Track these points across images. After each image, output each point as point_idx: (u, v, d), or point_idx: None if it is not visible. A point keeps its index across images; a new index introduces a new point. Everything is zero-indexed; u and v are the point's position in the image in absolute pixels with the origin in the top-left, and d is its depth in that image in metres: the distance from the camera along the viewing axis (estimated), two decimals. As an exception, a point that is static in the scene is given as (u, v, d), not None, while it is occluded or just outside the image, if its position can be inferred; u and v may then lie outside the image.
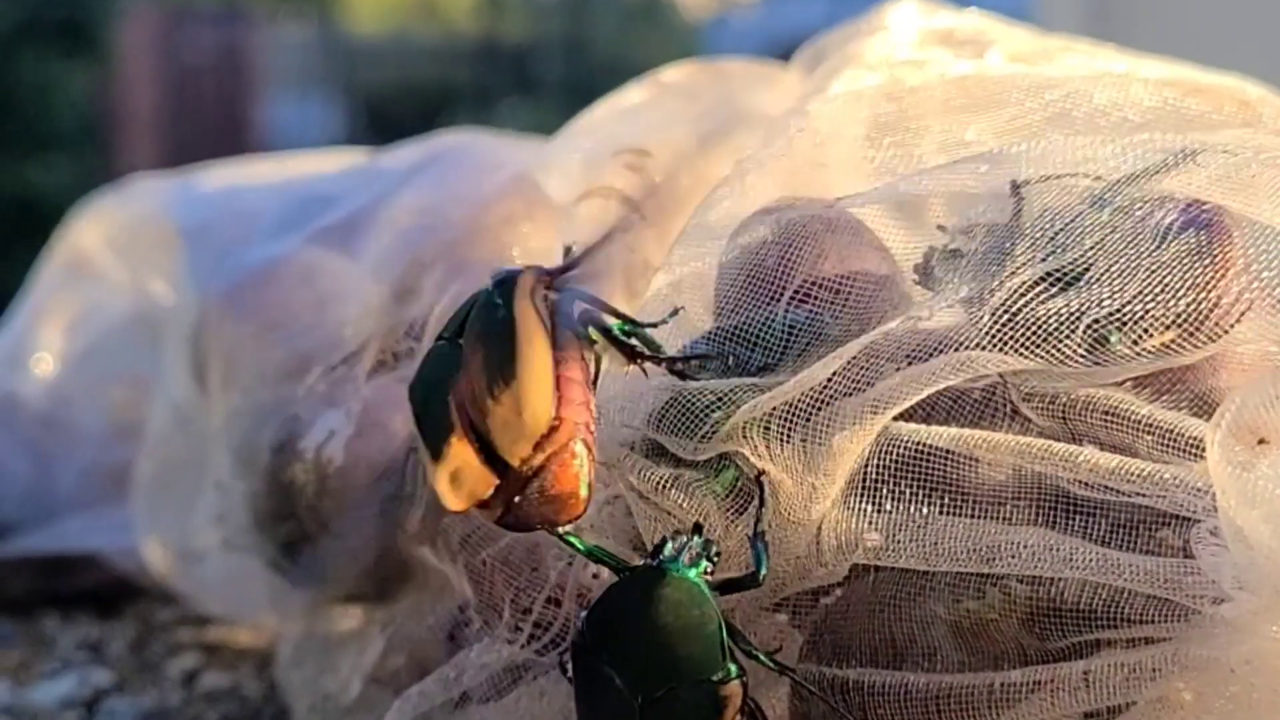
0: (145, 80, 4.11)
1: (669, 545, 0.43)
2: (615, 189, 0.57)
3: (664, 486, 0.46)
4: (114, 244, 0.78)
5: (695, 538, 0.43)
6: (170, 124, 4.05)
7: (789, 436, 0.44)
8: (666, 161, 0.60)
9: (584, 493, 0.42)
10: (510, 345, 0.42)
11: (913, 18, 0.56)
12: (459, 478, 0.42)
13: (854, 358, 0.43)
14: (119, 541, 0.75)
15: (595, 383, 0.44)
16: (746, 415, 0.44)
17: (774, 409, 0.44)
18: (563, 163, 0.60)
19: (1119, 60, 0.51)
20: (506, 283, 0.44)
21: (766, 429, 0.44)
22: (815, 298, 0.47)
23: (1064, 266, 0.42)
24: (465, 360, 0.42)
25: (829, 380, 0.44)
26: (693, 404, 0.46)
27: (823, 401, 0.44)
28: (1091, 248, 0.42)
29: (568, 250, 0.47)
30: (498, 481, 0.41)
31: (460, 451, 0.42)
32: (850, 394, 0.43)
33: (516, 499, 0.42)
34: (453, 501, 0.42)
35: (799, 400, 0.43)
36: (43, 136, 3.83)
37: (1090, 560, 0.42)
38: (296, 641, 0.60)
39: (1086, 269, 0.42)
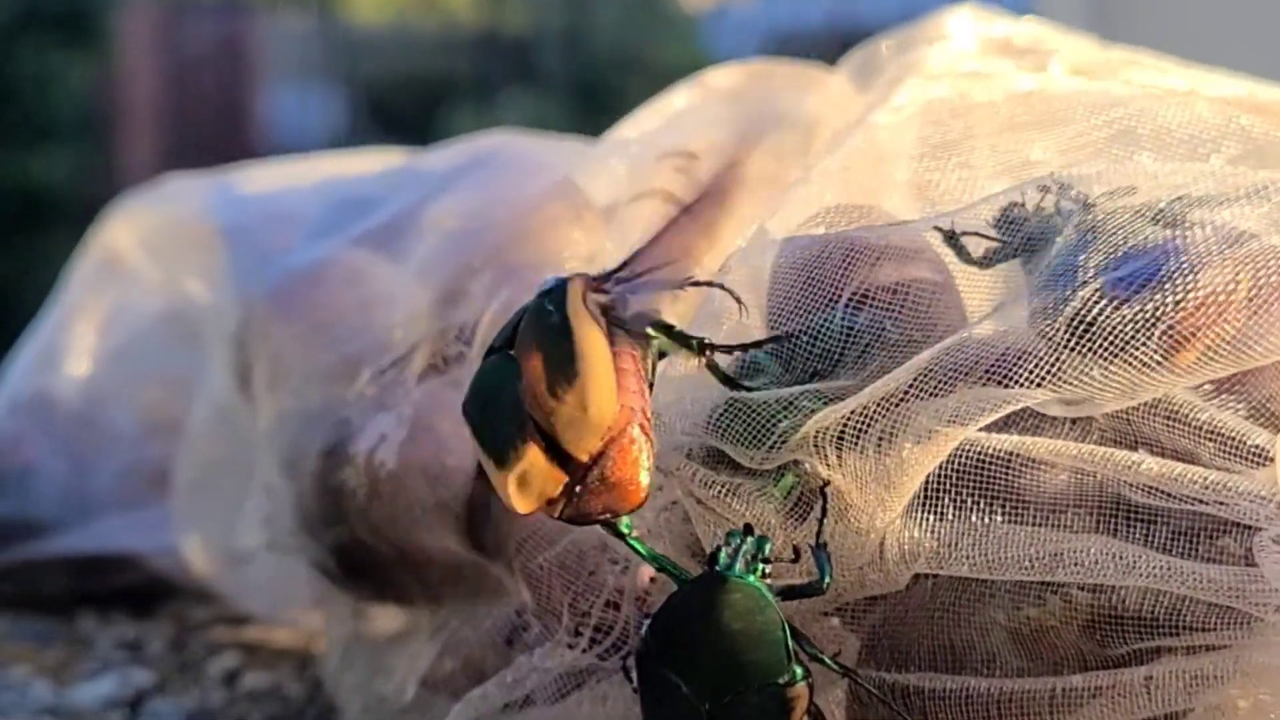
0: (145, 71, 4.11)
1: (723, 551, 0.44)
2: (663, 192, 0.58)
3: (724, 493, 0.46)
4: (148, 244, 0.79)
5: (748, 539, 0.44)
6: (170, 115, 4.05)
7: (861, 447, 0.44)
8: (713, 164, 0.60)
9: (644, 479, 0.42)
10: (569, 345, 0.42)
11: (970, 25, 0.56)
12: (527, 480, 0.42)
13: (927, 368, 0.44)
14: (156, 541, 0.76)
15: (651, 385, 0.45)
16: (818, 424, 0.44)
17: (846, 419, 0.44)
18: (608, 166, 0.60)
19: (1181, 74, 0.52)
20: (556, 290, 0.44)
21: (840, 439, 0.44)
22: (872, 302, 0.48)
23: (1133, 273, 0.43)
24: (522, 366, 0.43)
25: (904, 391, 0.44)
26: (757, 411, 0.46)
27: (896, 412, 0.44)
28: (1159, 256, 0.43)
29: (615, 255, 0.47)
30: (566, 479, 0.42)
31: (527, 454, 0.42)
32: (923, 405, 0.43)
33: (577, 489, 0.42)
34: (522, 504, 0.42)
35: (872, 410, 0.44)
36: (42, 128, 3.83)
37: (1153, 568, 0.43)
38: (344, 643, 0.60)
39: (1152, 277, 0.43)
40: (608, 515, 0.43)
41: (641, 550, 0.45)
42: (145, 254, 0.79)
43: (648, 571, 0.50)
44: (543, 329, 0.43)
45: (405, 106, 4.30)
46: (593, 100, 4.39)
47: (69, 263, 0.83)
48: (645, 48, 4.29)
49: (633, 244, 0.49)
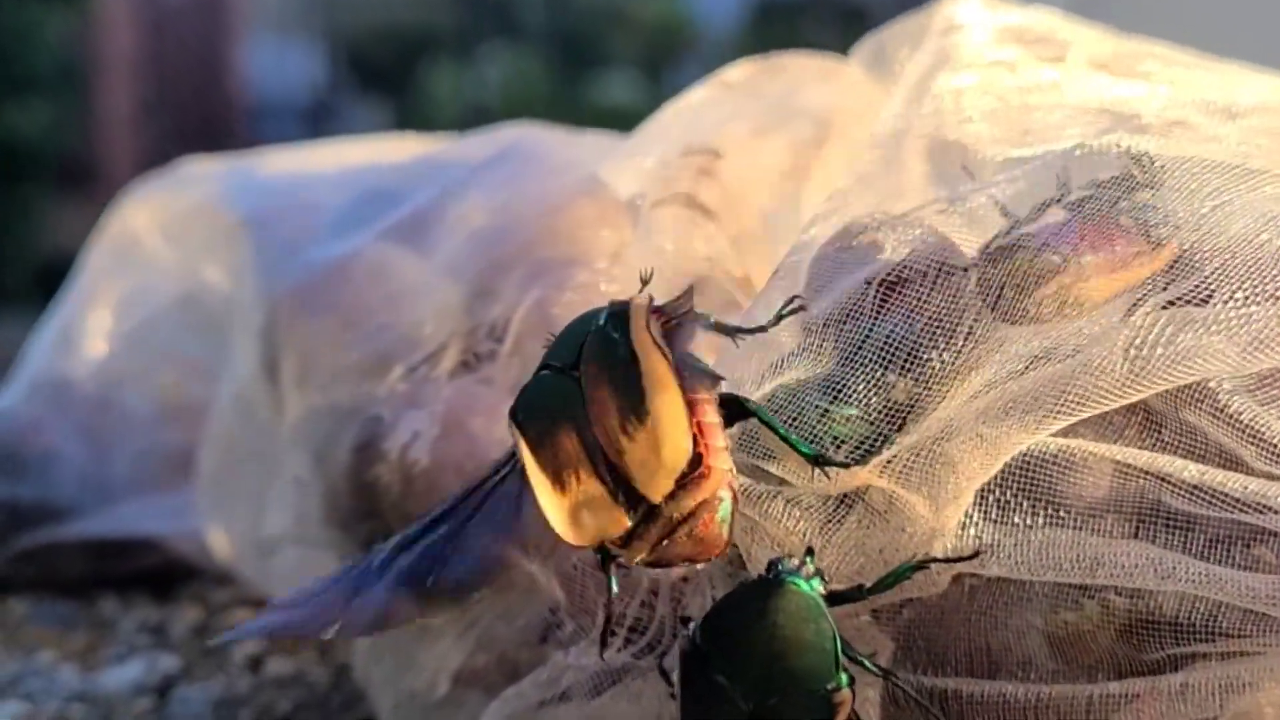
0: (123, 23, 4.08)
1: (786, 561, 0.45)
2: (689, 195, 0.58)
3: (765, 499, 0.47)
4: (165, 229, 0.79)
5: (809, 559, 0.45)
6: (149, 67, 4.02)
7: (916, 460, 0.45)
8: (735, 162, 0.61)
9: (728, 535, 0.42)
10: (637, 381, 0.42)
11: (983, 14, 0.56)
12: (583, 515, 0.42)
13: (985, 382, 0.44)
14: (176, 525, 0.76)
15: None
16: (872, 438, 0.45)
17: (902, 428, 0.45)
18: (634, 164, 0.61)
19: (1202, 69, 0.53)
20: (620, 315, 0.44)
21: (893, 453, 0.45)
22: (906, 308, 0.48)
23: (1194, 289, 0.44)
24: (589, 396, 0.43)
25: (963, 403, 0.45)
26: (806, 422, 0.47)
27: (953, 423, 0.45)
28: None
29: (644, 283, 0.47)
30: (629, 523, 0.42)
31: (589, 488, 0.42)
32: (982, 416, 0.44)
33: (664, 541, 0.42)
34: (575, 537, 0.43)
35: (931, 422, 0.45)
36: (20, 80, 3.80)
37: (1192, 575, 0.44)
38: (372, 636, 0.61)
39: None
40: (687, 564, 0.43)
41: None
42: (162, 239, 0.79)
43: (679, 570, 0.51)
44: (610, 359, 0.43)
45: (385, 60, 4.28)
46: (573, 55, 4.37)
47: (46, 214, 0.83)
48: (626, 3, 4.28)
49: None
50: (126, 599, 0.77)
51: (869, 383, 0.47)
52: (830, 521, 0.47)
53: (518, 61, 4.37)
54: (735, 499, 0.42)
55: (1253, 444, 0.45)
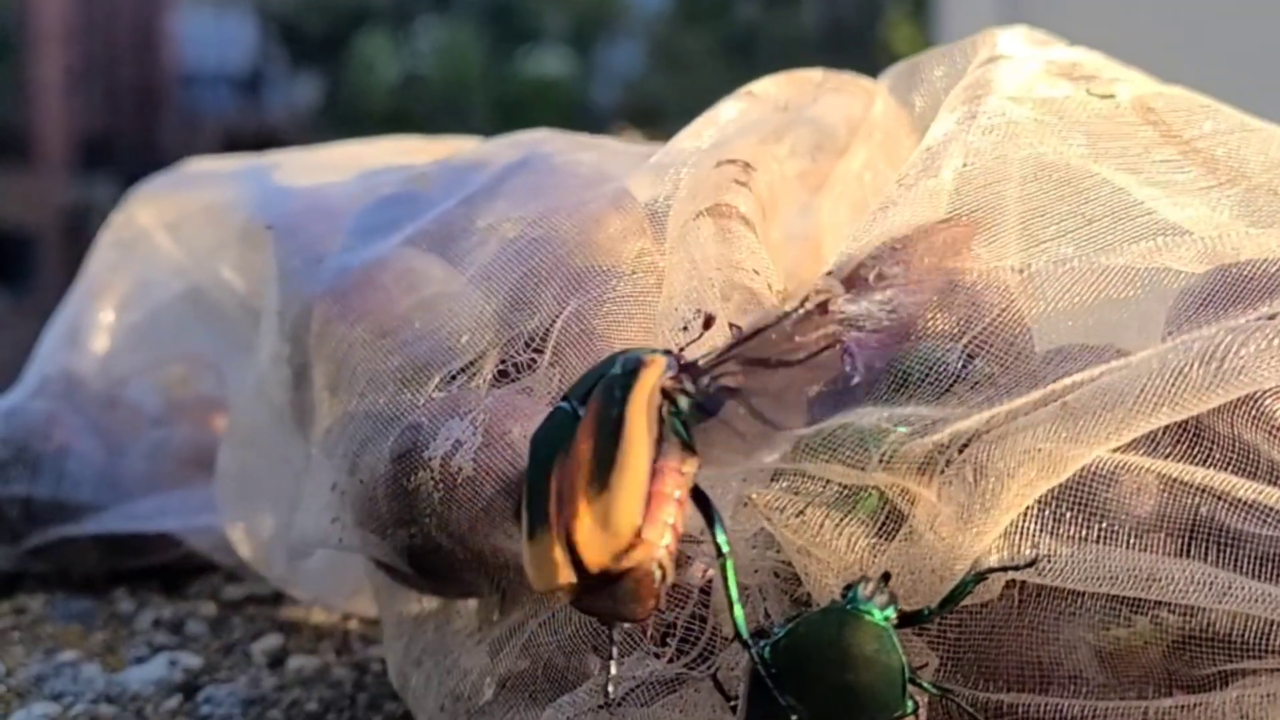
0: (55, -9, 4.05)
1: (861, 587, 0.46)
2: (729, 205, 0.59)
3: (812, 519, 0.48)
4: (172, 228, 0.80)
5: (884, 584, 0.46)
6: (82, 36, 3.99)
7: (962, 470, 0.47)
8: (761, 174, 0.62)
9: (652, 604, 0.45)
10: (612, 449, 0.44)
11: (1026, 47, 0.58)
12: (541, 564, 0.45)
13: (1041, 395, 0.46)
14: (189, 521, 0.77)
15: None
16: (920, 448, 0.47)
17: (951, 442, 0.47)
18: (665, 175, 0.62)
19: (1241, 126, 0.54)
20: (632, 374, 0.46)
21: (944, 464, 0.47)
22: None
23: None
24: (573, 449, 0.45)
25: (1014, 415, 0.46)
26: (848, 436, 0.48)
27: (1004, 435, 0.46)
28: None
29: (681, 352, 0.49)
30: (574, 580, 0.44)
31: (549, 540, 0.44)
32: (1038, 428, 0.46)
33: (588, 595, 0.44)
34: (534, 581, 0.45)
35: (985, 433, 0.46)
36: (-51, 47, 3.77)
37: (1247, 593, 0.45)
38: (407, 638, 0.62)
39: None
40: (614, 621, 0.47)
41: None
42: (169, 237, 0.80)
43: (699, 568, 0.52)
44: (601, 416, 0.45)
45: (319, 31, 4.26)
46: (506, 29, 4.37)
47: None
48: (563, -23, 4.28)
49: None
50: (140, 595, 0.78)
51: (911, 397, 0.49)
52: (881, 539, 0.48)
53: (451, 35, 4.37)
54: (666, 575, 0.44)
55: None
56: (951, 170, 0.52)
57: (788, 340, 0.46)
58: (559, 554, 0.44)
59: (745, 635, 0.46)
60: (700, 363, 0.47)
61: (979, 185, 0.52)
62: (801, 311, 0.46)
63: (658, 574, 0.44)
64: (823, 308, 0.46)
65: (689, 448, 0.46)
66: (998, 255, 0.51)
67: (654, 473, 0.44)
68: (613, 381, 0.46)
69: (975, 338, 0.50)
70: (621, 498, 0.44)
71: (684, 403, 0.46)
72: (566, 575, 0.44)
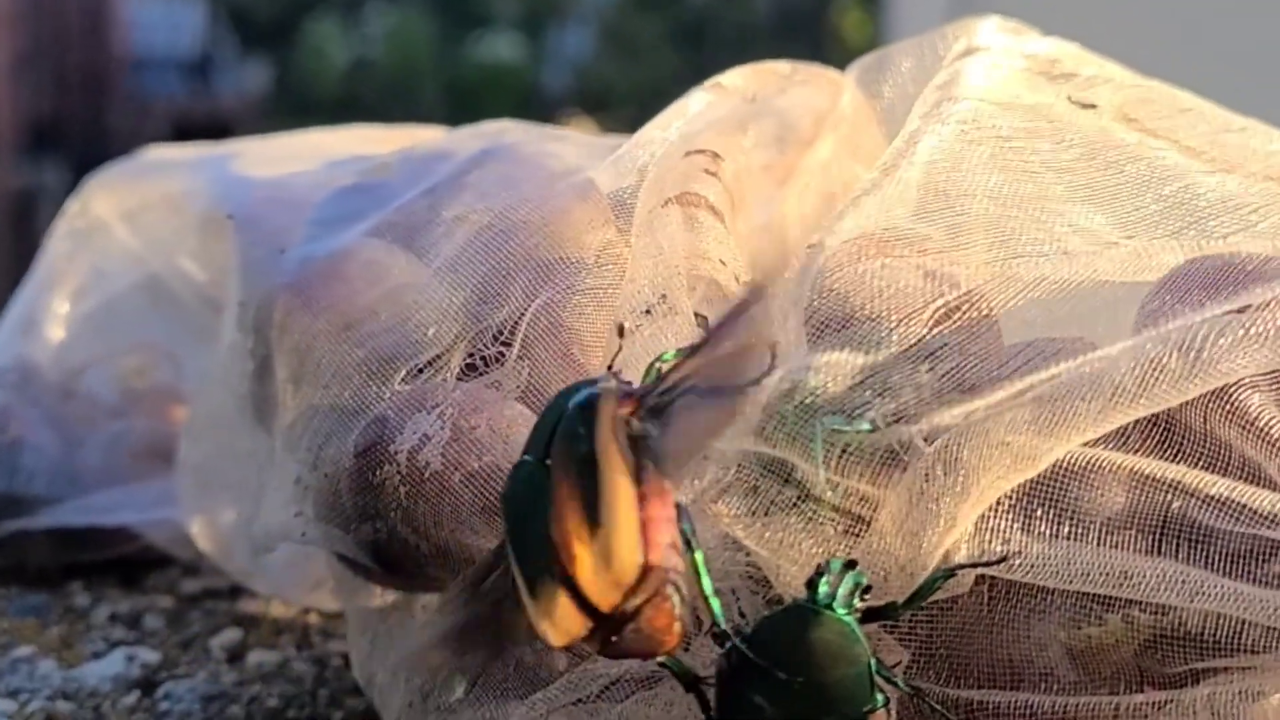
0: (2, -27, 4.01)
1: (824, 581, 0.46)
2: (698, 195, 0.59)
3: (782, 520, 0.48)
4: (129, 217, 0.79)
5: (848, 573, 0.46)
6: (31, 19, 3.96)
7: (932, 464, 0.46)
8: (729, 164, 0.62)
9: (678, 629, 0.44)
10: (594, 489, 0.43)
11: (1002, 37, 0.57)
12: (555, 618, 0.44)
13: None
14: (146, 514, 0.76)
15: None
16: (884, 443, 0.47)
17: (917, 437, 0.46)
18: (634, 167, 0.61)
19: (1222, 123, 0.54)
20: (588, 409, 0.45)
21: (910, 459, 0.46)
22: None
23: None
24: (554, 495, 0.44)
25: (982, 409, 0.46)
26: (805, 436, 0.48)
27: (970, 429, 0.46)
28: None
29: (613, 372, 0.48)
30: (592, 624, 0.44)
31: (556, 594, 0.43)
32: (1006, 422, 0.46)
33: (613, 639, 0.44)
34: (553, 639, 0.44)
35: (954, 427, 0.46)
36: (-106, 29, 3.73)
37: (1220, 592, 0.45)
38: (372, 633, 0.62)
39: None
40: (644, 657, 0.46)
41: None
42: (126, 226, 0.79)
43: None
44: (571, 458, 0.44)
45: (269, 16, 4.24)
46: (457, 14, 4.35)
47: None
48: (516, -39, 4.27)
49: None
50: (96, 589, 0.77)
51: (878, 394, 0.49)
52: (849, 536, 0.48)
53: (402, 20, 4.35)
54: (682, 596, 0.44)
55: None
56: (920, 167, 0.52)
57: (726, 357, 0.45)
58: (569, 603, 0.44)
59: (722, 625, 0.46)
60: (643, 385, 0.46)
61: (947, 181, 0.51)
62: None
63: (675, 598, 0.44)
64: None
65: (659, 466, 0.45)
66: (964, 254, 0.51)
67: (640, 499, 0.44)
68: (571, 423, 0.45)
69: (942, 330, 0.50)
70: (618, 533, 0.43)
71: (642, 425, 0.45)
72: (583, 623, 0.44)
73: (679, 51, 5.42)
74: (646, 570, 0.43)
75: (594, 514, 0.43)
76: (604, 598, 0.43)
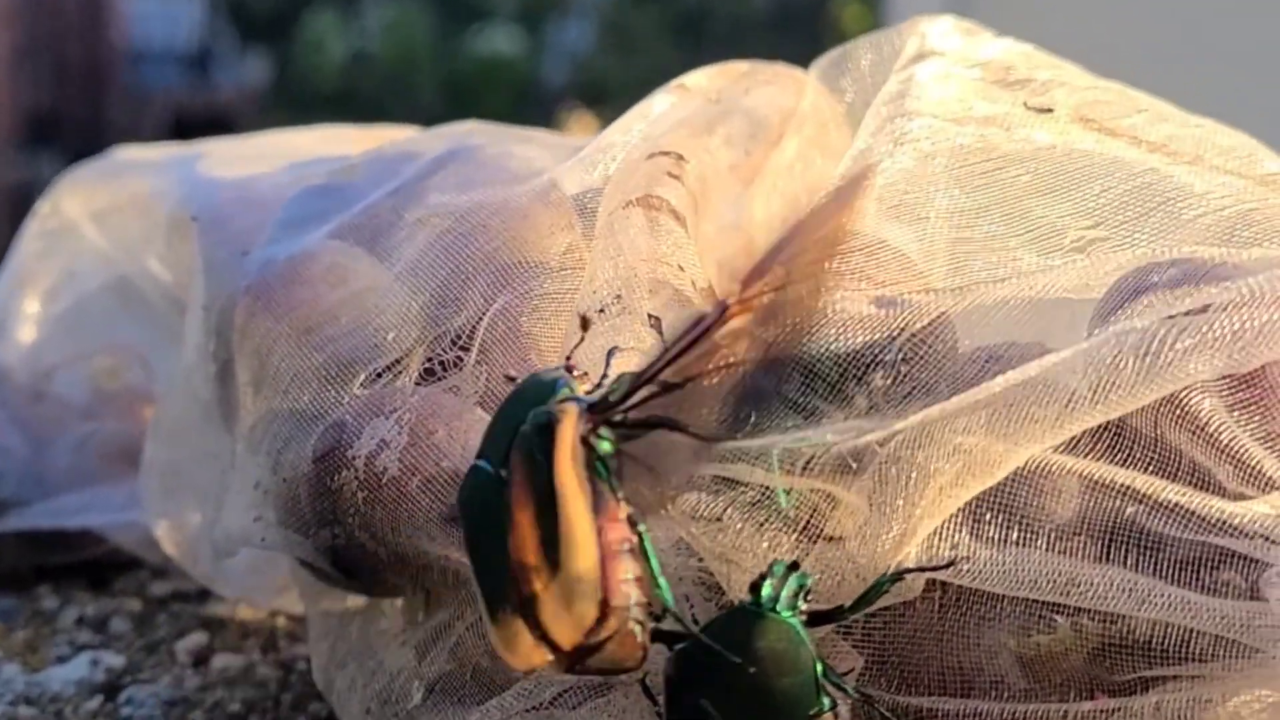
0: (-1, -32, 4.01)
1: (768, 584, 0.45)
2: (658, 197, 0.59)
3: (735, 526, 0.48)
4: (98, 218, 0.79)
5: (792, 575, 0.46)
6: (30, 12, 3.96)
7: (887, 470, 0.46)
8: (693, 166, 0.61)
9: (640, 655, 0.44)
10: (554, 524, 0.43)
11: (955, 40, 0.57)
12: (514, 646, 0.44)
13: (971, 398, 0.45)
14: (114, 517, 0.76)
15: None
16: (841, 449, 0.47)
17: (872, 445, 0.46)
18: (594, 169, 0.61)
19: (1180, 120, 0.54)
20: (546, 431, 0.44)
21: (866, 465, 0.46)
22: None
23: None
24: (512, 519, 0.43)
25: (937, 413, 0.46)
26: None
27: (926, 434, 0.46)
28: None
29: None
30: (549, 656, 0.44)
31: (515, 626, 0.44)
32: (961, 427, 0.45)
33: (576, 666, 0.44)
34: (513, 663, 0.44)
35: (908, 433, 0.46)
36: (-109, 24, 3.74)
37: (1167, 601, 0.45)
38: (333, 638, 0.61)
39: None
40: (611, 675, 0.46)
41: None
42: (95, 227, 0.79)
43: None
44: (532, 485, 0.43)
45: (267, 9, 4.24)
46: (455, 7, 4.35)
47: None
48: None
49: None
50: (64, 592, 0.77)
51: (832, 399, 0.49)
52: (803, 541, 0.48)
53: (401, 13, 4.35)
54: (645, 627, 0.44)
55: (1229, 464, 0.46)
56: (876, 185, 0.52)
57: (695, 361, 0.45)
58: (529, 638, 0.44)
59: (672, 605, 0.45)
60: (610, 397, 0.45)
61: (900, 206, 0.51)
62: (700, 330, 0.45)
63: (638, 630, 0.44)
64: (721, 323, 0.45)
65: (615, 490, 0.44)
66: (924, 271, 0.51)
67: (598, 532, 0.43)
68: (530, 443, 0.44)
69: (899, 338, 0.49)
70: (577, 575, 0.43)
71: (604, 446, 0.44)
72: (543, 656, 0.44)
73: (678, 45, 5.42)
74: (606, 611, 0.43)
75: (553, 554, 0.43)
76: (565, 637, 0.43)
